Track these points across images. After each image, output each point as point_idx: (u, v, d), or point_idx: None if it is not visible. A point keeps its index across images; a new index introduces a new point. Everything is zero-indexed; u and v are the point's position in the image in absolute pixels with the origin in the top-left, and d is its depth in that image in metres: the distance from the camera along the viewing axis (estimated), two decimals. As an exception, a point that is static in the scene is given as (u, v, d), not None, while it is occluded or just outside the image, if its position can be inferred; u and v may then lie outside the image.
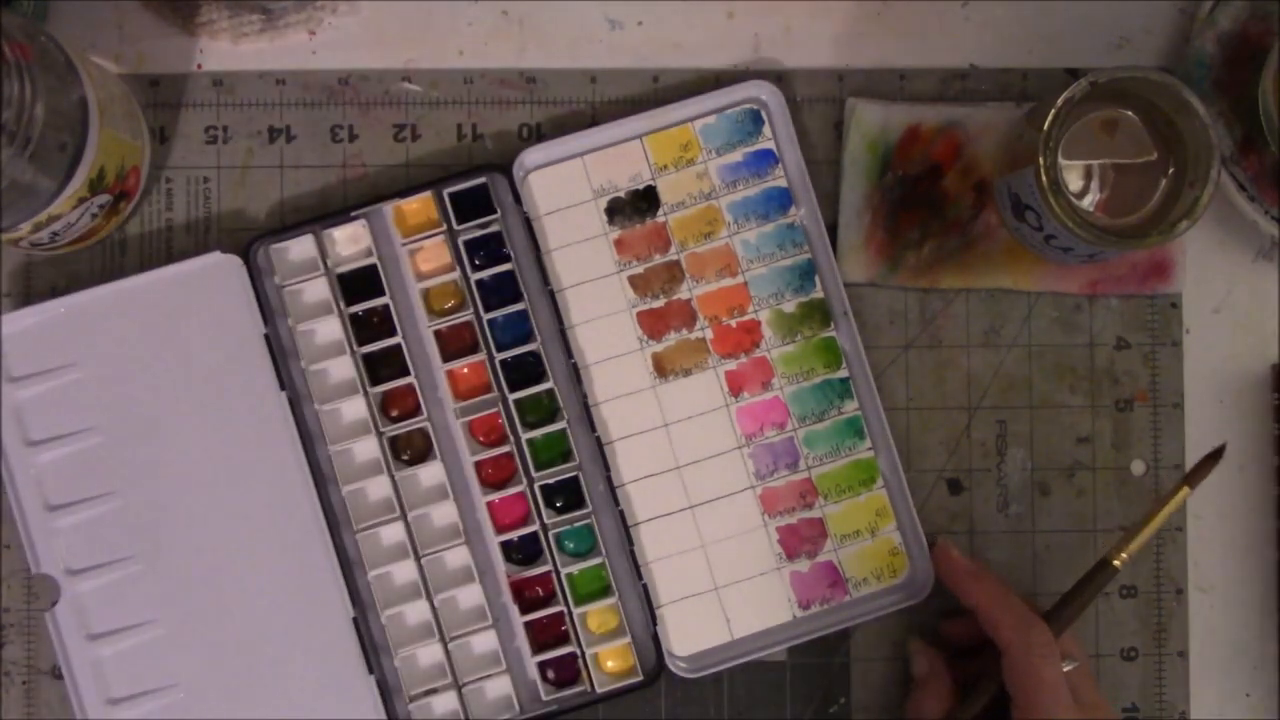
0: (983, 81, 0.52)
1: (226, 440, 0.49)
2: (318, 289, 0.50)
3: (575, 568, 0.49)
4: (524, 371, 0.50)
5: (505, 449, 0.50)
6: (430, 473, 0.50)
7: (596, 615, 0.50)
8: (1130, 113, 0.49)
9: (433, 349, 0.50)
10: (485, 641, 0.50)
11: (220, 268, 0.49)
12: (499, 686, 0.49)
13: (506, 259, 0.50)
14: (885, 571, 0.50)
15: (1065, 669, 0.45)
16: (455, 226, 0.50)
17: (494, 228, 0.50)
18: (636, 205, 0.51)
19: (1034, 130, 0.46)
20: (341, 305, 0.50)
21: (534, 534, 0.50)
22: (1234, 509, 0.52)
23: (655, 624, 0.49)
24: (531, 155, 0.50)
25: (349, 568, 0.49)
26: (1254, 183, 0.51)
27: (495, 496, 0.50)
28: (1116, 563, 0.46)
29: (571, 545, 0.50)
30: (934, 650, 0.49)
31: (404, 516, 0.49)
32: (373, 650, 0.49)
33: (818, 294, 0.51)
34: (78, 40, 0.50)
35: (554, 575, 0.49)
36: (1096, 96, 0.46)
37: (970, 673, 0.48)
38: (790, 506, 0.50)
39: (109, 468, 0.49)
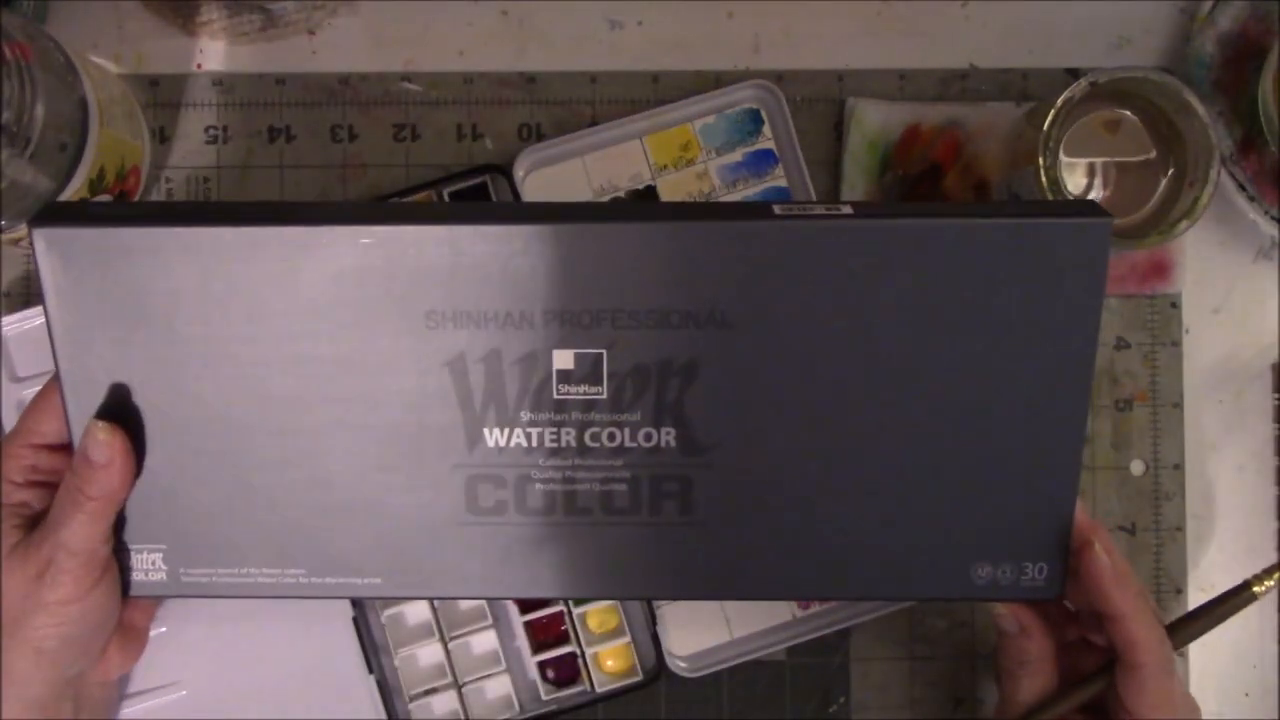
0: (983, 81, 0.52)
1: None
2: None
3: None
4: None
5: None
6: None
7: (596, 615, 0.50)
8: (1130, 113, 0.49)
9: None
10: (485, 641, 0.50)
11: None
12: (499, 686, 0.50)
13: (507, 258, 0.50)
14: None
15: None
16: (456, 226, 0.50)
17: (494, 227, 0.50)
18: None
19: (1034, 130, 0.46)
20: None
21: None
22: (1234, 509, 0.52)
23: (655, 623, 0.49)
24: (531, 155, 0.50)
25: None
26: (1254, 183, 0.51)
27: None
28: (1259, 589, 0.44)
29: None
30: (1043, 625, 0.43)
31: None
32: (373, 650, 0.49)
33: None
34: (78, 40, 0.50)
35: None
36: (1096, 96, 0.46)
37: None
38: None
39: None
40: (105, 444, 0.38)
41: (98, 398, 0.38)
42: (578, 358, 0.38)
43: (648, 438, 0.39)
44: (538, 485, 0.39)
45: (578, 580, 0.40)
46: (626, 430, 0.39)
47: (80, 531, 0.38)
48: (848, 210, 0.37)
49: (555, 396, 0.38)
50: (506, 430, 0.39)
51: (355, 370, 0.38)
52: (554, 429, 0.39)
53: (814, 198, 0.51)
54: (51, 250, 0.37)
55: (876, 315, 0.38)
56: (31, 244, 0.37)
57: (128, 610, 0.43)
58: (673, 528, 0.40)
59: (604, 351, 0.38)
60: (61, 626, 0.39)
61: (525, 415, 0.39)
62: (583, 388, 0.38)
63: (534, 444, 0.39)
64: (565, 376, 0.38)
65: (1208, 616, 0.44)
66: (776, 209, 0.37)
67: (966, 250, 0.37)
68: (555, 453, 0.39)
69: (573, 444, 0.39)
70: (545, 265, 0.37)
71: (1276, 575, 0.44)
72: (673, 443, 0.39)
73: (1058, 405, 0.39)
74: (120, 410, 0.39)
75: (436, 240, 0.37)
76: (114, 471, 0.38)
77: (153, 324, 0.38)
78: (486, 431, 0.39)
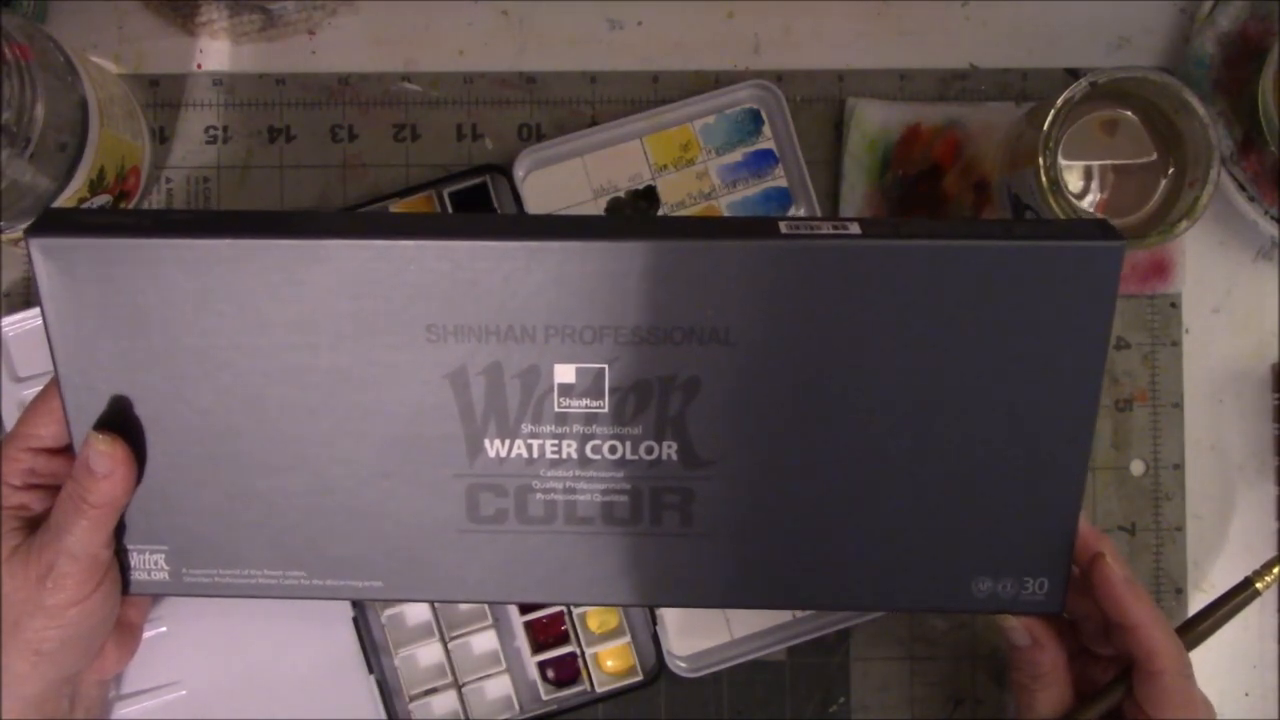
0: (983, 81, 0.52)
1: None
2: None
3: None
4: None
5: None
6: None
7: (596, 615, 0.50)
8: (1130, 113, 0.49)
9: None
10: (485, 641, 0.50)
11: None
12: (499, 686, 0.50)
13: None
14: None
15: None
16: (456, 226, 0.50)
17: (494, 227, 0.50)
18: (636, 205, 0.51)
19: (1034, 130, 0.46)
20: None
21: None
22: (1234, 509, 0.52)
23: (655, 623, 0.49)
24: (531, 155, 0.50)
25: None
26: (1254, 183, 0.51)
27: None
28: (1260, 585, 0.44)
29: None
30: (1055, 636, 0.43)
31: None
32: (373, 650, 0.49)
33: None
34: (78, 40, 0.50)
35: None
36: (1096, 96, 0.46)
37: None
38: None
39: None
40: (106, 455, 0.38)
41: (98, 403, 0.38)
42: (579, 372, 0.38)
43: (649, 451, 0.39)
44: (538, 495, 0.39)
45: (577, 588, 0.40)
46: (628, 443, 0.39)
47: (83, 538, 0.38)
48: (855, 230, 0.37)
49: (556, 409, 0.38)
50: (507, 441, 0.39)
51: (355, 382, 0.38)
52: (555, 441, 0.39)
53: (814, 198, 0.51)
54: (49, 259, 0.37)
55: (880, 333, 0.38)
56: (28, 253, 0.37)
57: (124, 608, 0.43)
58: (674, 538, 0.40)
59: (605, 366, 0.38)
60: (61, 629, 0.39)
61: (526, 427, 0.39)
62: (584, 401, 0.38)
63: (535, 455, 0.39)
64: (566, 390, 0.38)
65: (1214, 616, 0.44)
66: (783, 227, 0.37)
67: (975, 271, 0.37)
68: (556, 464, 0.39)
69: (574, 456, 0.39)
70: (547, 282, 0.37)
71: (1277, 569, 0.44)
72: (674, 456, 0.39)
73: (1062, 424, 0.39)
74: (120, 418, 0.39)
75: (437, 255, 0.37)
76: (116, 481, 0.38)
77: (151, 333, 0.38)
78: (487, 442, 0.39)
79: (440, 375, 0.38)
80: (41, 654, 0.39)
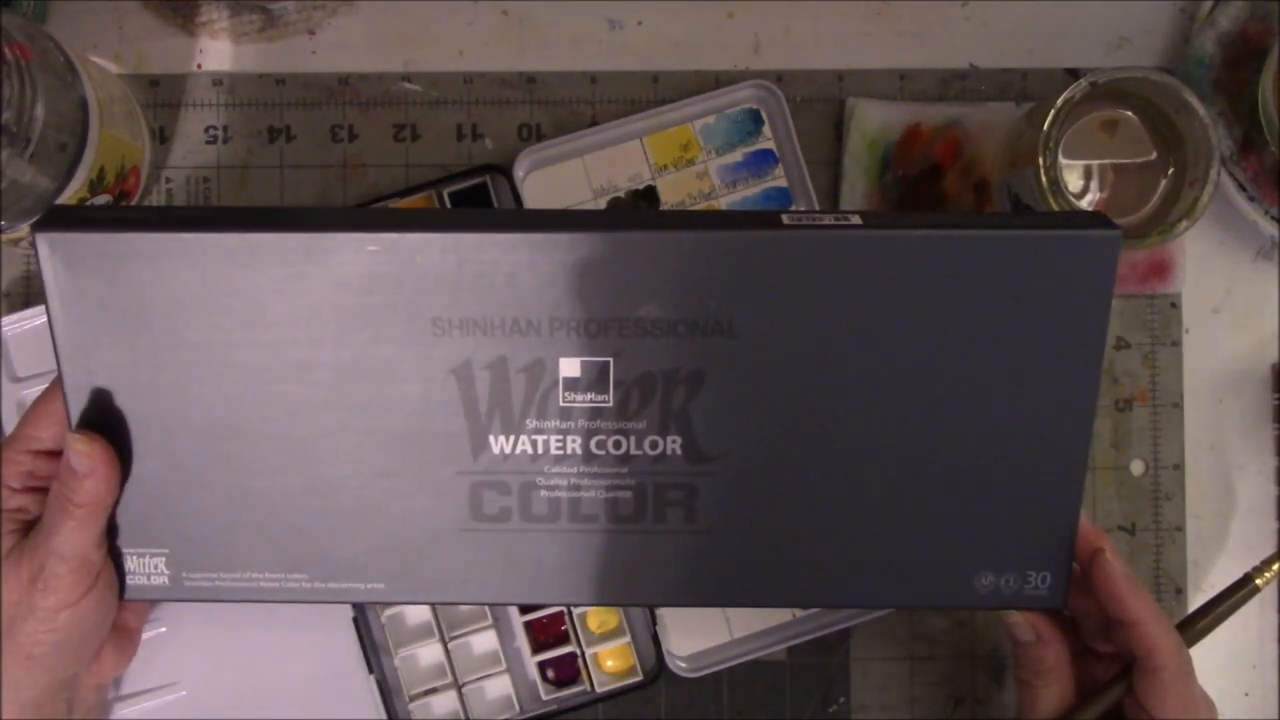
0: (983, 81, 0.52)
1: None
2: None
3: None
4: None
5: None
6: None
7: (596, 615, 0.50)
8: (1130, 113, 0.49)
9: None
10: (485, 641, 0.50)
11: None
12: (499, 686, 0.50)
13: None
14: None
15: None
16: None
17: (494, 227, 0.50)
18: (636, 205, 0.51)
19: (1034, 130, 0.46)
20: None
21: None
22: (1234, 509, 0.52)
23: (655, 623, 0.49)
24: (531, 155, 0.50)
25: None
26: (1254, 183, 0.51)
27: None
28: (1260, 581, 0.44)
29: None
30: (1059, 632, 0.43)
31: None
32: (373, 650, 0.49)
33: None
34: (78, 40, 0.50)
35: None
36: (1096, 96, 0.46)
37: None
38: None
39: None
40: (84, 454, 0.38)
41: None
42: (584, 365, 0.38)
43: (653, 446, 0.39)
44: (543, 492, 0.39)
45: (582, 587, 0.40)
46: (632, 438, 0.39)
47: (71, 538, 0.38)
48: (856, 220, 0.37)
49: (561, 404, 0.38)
50: (512, 437, 0.39)
51: (360, 377, 0.38)
52: (560, 436, 0.39)
53: (814, 198, 0.51)
54: (55, 254, 0.37)
55: (882, 325, 0.38)
56: (35, 248, 0.37)
57: (121, 613, 0.43)
58: (677, 535, 0.40)
59: (610, 360, 0.38)
60: (53, 633, 0.39)
61: (531, 423, 0.39)
62: (589, 395, 0.38)
63: (539, 451, 0.39)
64: (572, 384, 0.38)
65: (1214, 613, 0.44)
66: (785, 219, 0.37)
67: (974, 261, 0.37)
68: (561, 460, 0.39)
69: (578, 451, 0.39)
70: (552, 274, 0.37)
71: (1277, 565, 0.44)
72: (678, 451, 0.39)
73: (1063, 415, 0.39)
74: (104, 415, 0.39)
75: (443, 247, 0.37)
76: (98, 480, 0.38)
77: (156, 328, 0.38)
78: (492, 439, 0.39)
79: (445, 370, 0.38)
80: (33, 658, 0.39)
